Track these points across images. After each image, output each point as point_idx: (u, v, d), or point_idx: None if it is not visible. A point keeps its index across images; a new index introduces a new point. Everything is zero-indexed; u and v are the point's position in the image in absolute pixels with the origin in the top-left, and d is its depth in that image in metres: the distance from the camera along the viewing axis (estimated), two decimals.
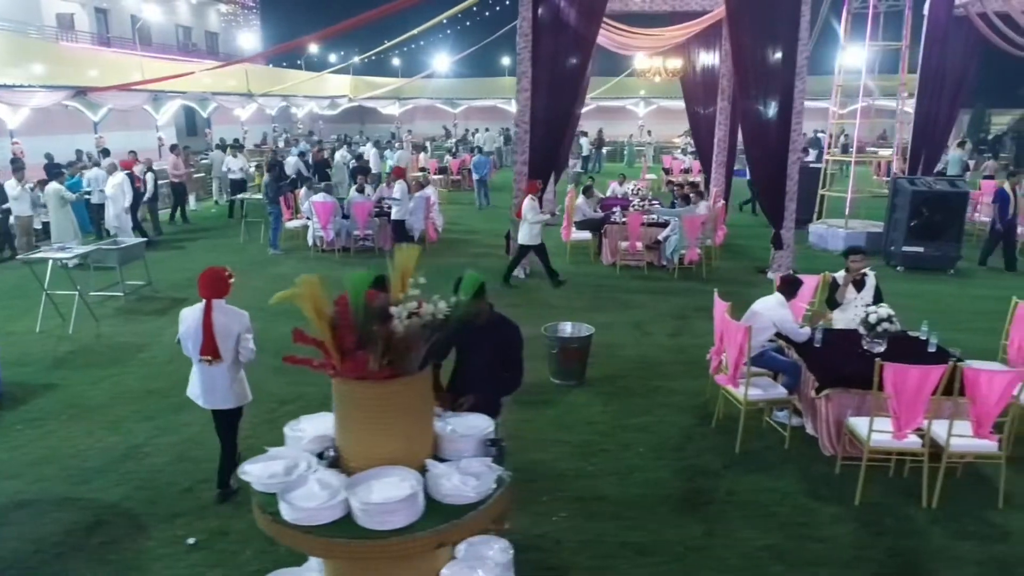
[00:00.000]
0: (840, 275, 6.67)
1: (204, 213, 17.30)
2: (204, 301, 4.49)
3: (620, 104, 33.30)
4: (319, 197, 12.08)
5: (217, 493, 4.78)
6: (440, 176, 21.50)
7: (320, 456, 3.22)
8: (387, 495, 2.88)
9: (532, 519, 4.61)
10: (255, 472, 3.16)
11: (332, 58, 27.36)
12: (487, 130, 28.82)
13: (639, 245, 11.09)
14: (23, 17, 21.53)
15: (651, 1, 13.68)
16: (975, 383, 4.52)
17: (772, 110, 10.12)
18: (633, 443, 5.64)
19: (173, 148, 17.90)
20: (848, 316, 6.45)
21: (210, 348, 4.44)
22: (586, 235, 12.03)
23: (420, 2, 13.62)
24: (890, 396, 4.60)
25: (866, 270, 6.62)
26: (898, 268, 11.28)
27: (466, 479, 3.13)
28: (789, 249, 10.61)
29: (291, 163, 17.49)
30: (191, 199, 17.06)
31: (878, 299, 6.54)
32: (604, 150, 28.69)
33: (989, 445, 4.66)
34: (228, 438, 4.83)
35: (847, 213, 12.67)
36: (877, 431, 4.71)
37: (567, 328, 6.93)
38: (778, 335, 5.99)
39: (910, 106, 15.13)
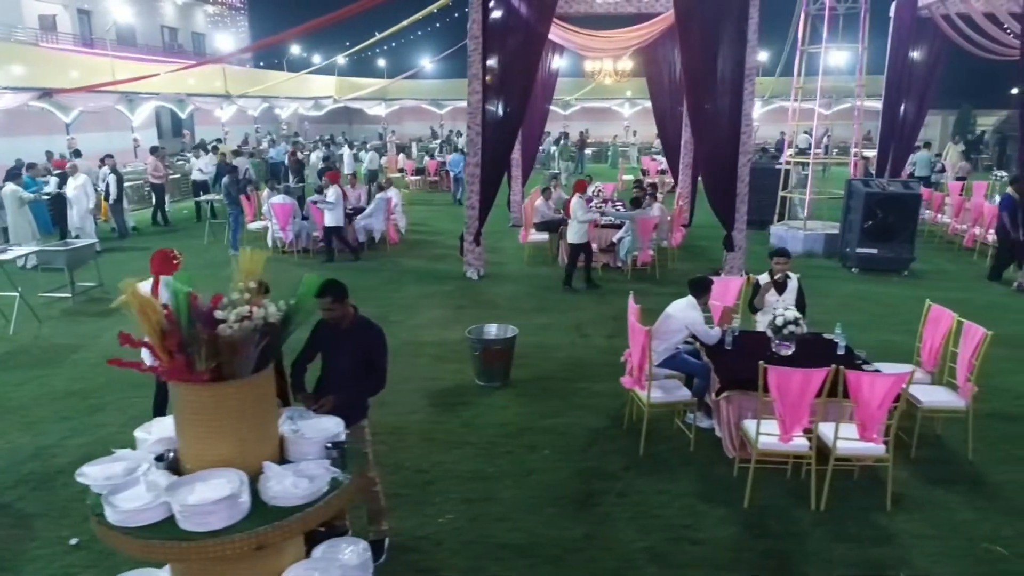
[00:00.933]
0: (763, 277, 6.69)
1: (176, 215, 17.33)
2: (153, 277, 5.09)
3: (606, 105, 33.31)
4: (278, 199, 12.12)
5: None
6: (418, 177, 21.55)
7: (161, 458, 3.26)
8: (205, 496, 2.91)
9: (419, 520, 4.64)
10: (93, 474, 3.19)
11: (316, 59, 27.42)
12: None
13: (593, 246, 11.08)
14: (3, 19, 21.60)
15: (615, 3, 13.71)
16: (857, 386, 4.54)
17: (722, 112, 10.14)
18: (540, 445, 5.66)
19: (153, 150, 17.97)
20: (769, 318, 6.46)
21: None
22: (544, 236, 12.05)
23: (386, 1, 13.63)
24: (774, 399, 4.62)
25: (789, 273, 6.65)
26: (853, 270, 11.28)
27: (298, 481, 3.15)
28: (741, 251, 10.62)
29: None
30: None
31: (801, 302, 6.57)
32: (588, 151, 28.70)
33: (875, 448, 4.67)
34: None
35: (805, 215, 12.68)
36: (764, 434, 4.73)
37: (492, 330, 6.95)
38: (694, 337, 6.01)
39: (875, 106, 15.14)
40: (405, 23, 16.93)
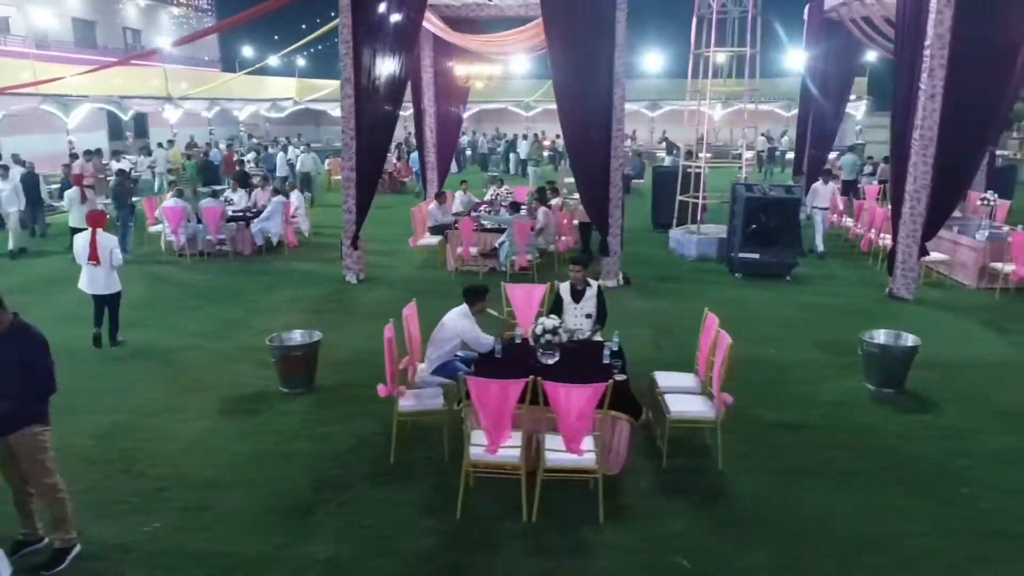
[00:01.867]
0: (565, 286, 6.67)
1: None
2: (91, 229, 7.58)
3: None
4: (170, 202, 12.14)
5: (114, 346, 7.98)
6: None
7: None
8: None
9: (127, 528, 4.61)
10: None
11: (273, 60, 27.47)
12: None
13: (472, 251, 11.08)
14: None
15: (527, 6, 13.65)
16: (555, 397, 4.50)
17: (592, 116, 10.08)
18: (299, 453, 5.64)
19: (87, 153, 18.10)
20: (567, 327, 6.43)
21: (94, 256, 7.56)
22: (433, 240, 12.04)
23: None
24: (477, 410, 4.59)
25: (590, 281, 6.61)
26: (737, 275, 11.21)
27: None
28: (616, 256, 10.57)
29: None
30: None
31: (601, 310, 6.55)
32: (546, 154, 28.67)
33: (582, 460, 4.63)
34: (113, 315, 7.95)
35: (700, 219, 12.62)
36: (475, 444, 4.70)
37: (295, 336, 6.94)
38: None
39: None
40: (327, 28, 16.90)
